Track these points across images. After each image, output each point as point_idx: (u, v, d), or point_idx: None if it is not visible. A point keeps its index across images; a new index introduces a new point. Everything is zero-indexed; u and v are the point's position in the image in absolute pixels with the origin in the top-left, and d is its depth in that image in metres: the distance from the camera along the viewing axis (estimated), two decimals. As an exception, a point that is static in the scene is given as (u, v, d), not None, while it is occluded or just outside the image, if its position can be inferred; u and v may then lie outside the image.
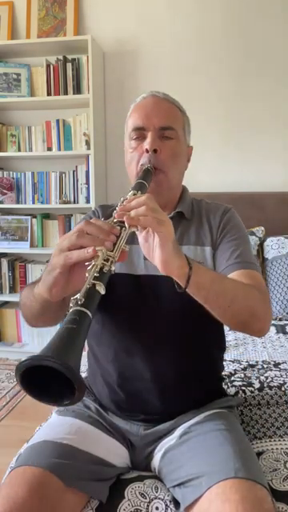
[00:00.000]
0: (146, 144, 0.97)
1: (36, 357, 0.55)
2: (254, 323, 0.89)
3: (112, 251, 0.72)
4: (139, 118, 1.00)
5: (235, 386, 1.34)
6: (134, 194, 0.84)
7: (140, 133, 1.00)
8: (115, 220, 0.77)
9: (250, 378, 1.41)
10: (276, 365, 1.53)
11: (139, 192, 0.85)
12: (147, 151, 0.97)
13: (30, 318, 0.93)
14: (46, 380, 0.58)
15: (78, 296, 0.64)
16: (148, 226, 0.73)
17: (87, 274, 0.68)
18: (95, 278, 0.67)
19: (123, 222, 0.75)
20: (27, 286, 0.95)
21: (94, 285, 0.66)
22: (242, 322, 0.88)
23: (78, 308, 0.62)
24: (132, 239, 1.03)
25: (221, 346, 1.10)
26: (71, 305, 0.63)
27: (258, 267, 0.99)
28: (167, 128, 0.99)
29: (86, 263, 0.70)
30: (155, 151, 0.97)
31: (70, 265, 0.74)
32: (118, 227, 0.76)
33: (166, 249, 0.73)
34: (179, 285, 0.78)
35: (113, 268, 0.70)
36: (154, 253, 0.75)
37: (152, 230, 0.74)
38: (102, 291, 0.67)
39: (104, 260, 0.70)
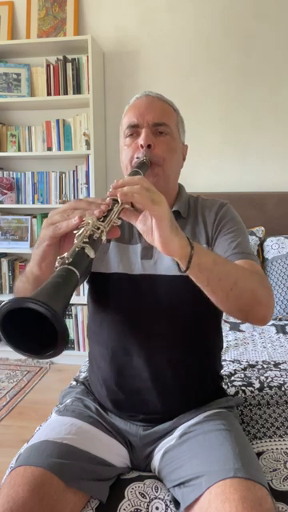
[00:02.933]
0: (141, 140, 0.98)
1: (18, 299, 0.53)
2: (258, 308, 0.86)
3: (103, 222, 0.70)
4: (133, 116, 1.01)
5: (235, 386, 1.34)
6: None
7: (134, 130, 1.01)
8: (108, 198, 0.77)
9: (250, 377, 1.41)
10: (276, 365, 1.53)
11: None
12: (142, 147, 0.98)
13: None
14: (28, 331, 0.56)
15: (65, 255, 0.62)
16: (141, 203, 0.72)
17: (76, 240, 0.66)
18: (84, 243, 0.65)
19: (117, 200, 0.74)
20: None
21: (83, 248, 0.65)
22: (244, 307, 0.85)
23: (65, 266, 0.60)
24: (129, 239, 1.03)
25: (219, 345, 1.10)
26: (57, 264, 0.61)
27: (256, 258, 0.98)
28: (161, 124, 1.00)
29: (75, 231, 0.69)
30: (149, 147, 0.97)
31: (59, 236, 0.74)
32: (110, 200, 0.75)
33: (162, 228, 0.72)
34: (180, 266, 0.77)
35: (103, 237, 0.69)
36: (153, 235, 0.74)
37: (146, 209, 0.73)
38: (92, 255, 0.65)
39: (95, 228, 0.69)
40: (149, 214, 0.74)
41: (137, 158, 0.98)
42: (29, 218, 2.82)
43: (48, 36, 2.70)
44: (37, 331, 0.55)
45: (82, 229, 0.68)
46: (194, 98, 2.61)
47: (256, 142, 2.60)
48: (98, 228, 0.69)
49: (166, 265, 0.98)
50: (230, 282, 0.81)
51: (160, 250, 0.74)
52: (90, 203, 0.74)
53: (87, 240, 0.66)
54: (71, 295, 0.59)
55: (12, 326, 0.55)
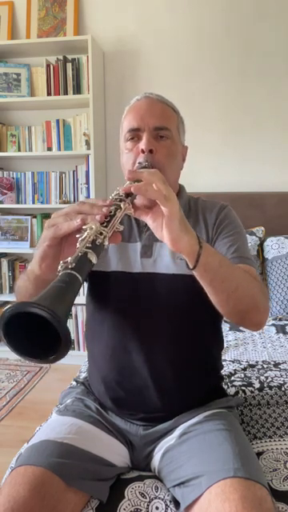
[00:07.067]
0: (142, 144, 0.97)
1: (21, 303, 0.53)
2: (255, 313, 0.88)
3: (106, 227, 0.72)
4: (134, 120, 1.00)
5: (235, 386, 1.34)
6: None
7: (135, 134, 1.00)
8: (110, 199, 0.77)
9: (250, 377, 1.41)
10: (276, 365, 1.53)
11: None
12: (143, 152, 0.97)
13: None
14: (31, 336, 0.57)
15: (68, 259, 0.63)
16: (154, 197, 0.73)
17: (78, 245, 0.67)
18: (87, 248, 0.67)
19: (120, 204, 0.75)
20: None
21: (85, 253, 0.66)
22: (242, 311, 0.87)
23: (68, 271, 0.61)
24: (129, 238, 1.03)
25: (219, 344, 1.10)
26: (60, 268, 0.62)
27: (254, 263, 0.99)
28: (162, 128, 0.99)
29: (77, 235, 0.70)
30: (151, 151, 0.97)
31: (60, 237, 0.75)
32: (112, 201, 0.76)
33: (172, 226, 0.74)
34: (188, 264, 0.78)
35: (106, 243, 0.70)
36: (163, 231, 0.75)
37: (159, 203, 0.74)
38: (94, 260, 0.66)
39: (98, 233, 0.70)
40: (159, 211, 0.75)
41: (139, 163, 0.98)
42: (29, 217, 2.82)
43: (48, 36, 2.70)
44: (39, 336, 0.56)
45: (86, 233, 0.69)
46: (194, 98, 2.61)
47: (256, 143, 2.60)
48: (101, 233, 0.70)
49: (165, 263, 0.99)
50: (232, 284, 0.82)
51: (169, 246, 0.76)
52: (92, 207, 0.75)
53: (90, 245, 0.67)
54: (74, 300, 0.60)
55: (15, 330, 0.56)
